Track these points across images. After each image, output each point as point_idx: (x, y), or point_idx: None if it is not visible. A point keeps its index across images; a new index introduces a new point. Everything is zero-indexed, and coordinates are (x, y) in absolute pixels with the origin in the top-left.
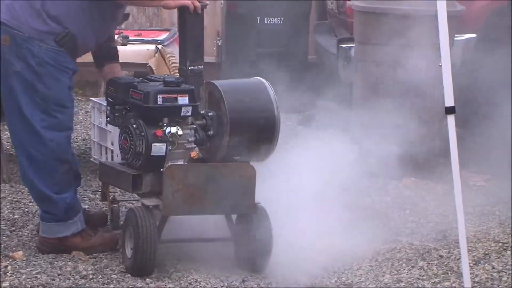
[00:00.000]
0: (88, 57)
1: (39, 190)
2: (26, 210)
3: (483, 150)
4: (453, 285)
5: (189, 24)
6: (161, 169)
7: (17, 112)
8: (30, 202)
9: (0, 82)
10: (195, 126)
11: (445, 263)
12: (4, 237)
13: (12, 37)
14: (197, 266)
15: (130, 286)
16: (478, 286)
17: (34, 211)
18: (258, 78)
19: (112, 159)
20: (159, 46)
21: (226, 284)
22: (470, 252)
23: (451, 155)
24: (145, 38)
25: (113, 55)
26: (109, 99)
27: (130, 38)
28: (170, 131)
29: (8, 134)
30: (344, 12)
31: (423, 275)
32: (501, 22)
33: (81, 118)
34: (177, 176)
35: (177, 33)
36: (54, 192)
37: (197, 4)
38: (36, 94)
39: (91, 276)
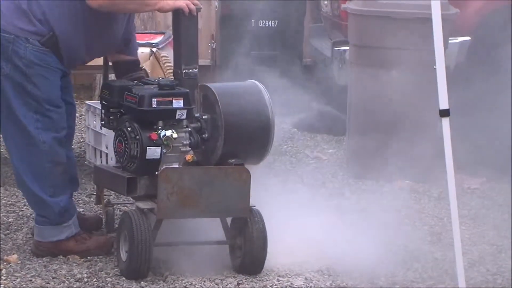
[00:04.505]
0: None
1: (33, 192)
2: (20, 213)
3: (478, 153)
4: (448, 287)
5: (184, 27)
6: (156, 172)
7: (10, 115)
8: (24, 205)
9: None
10: (190, 129)
11: (440, 266)
12: None
13: None
14: (192, 269)
15: None
16: None
17: (28, 214)
18: (253, 81)
19: (107, 162)
20: (154, 49)
21: (221, 287)
22: (465, 255)
23: (446, 158)
24: (139, 41)
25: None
26: (103, 102)
27: None
28: (165, 134)
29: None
30: (338, 15)
31: (418, 278)
32: (496, 24)
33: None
34: (172, 179)
35: (172, 36)
36: (48, 195)
37: (192, 6)
38: (27, 96)
39: (85, 280)
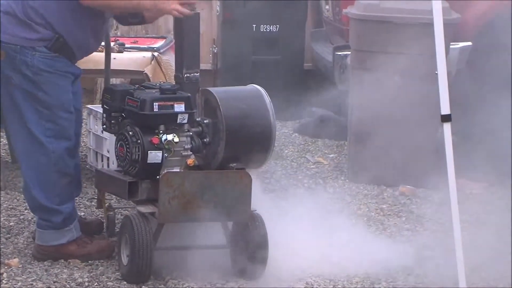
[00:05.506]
0: (84, 64)
1: (38, 202)
2: (21, 217)
3: (479, 158)
4: None
5: (185, 32)
6: (157, 176)
7: (21, 124)
8: (25, 209)
9: (0, 96)
10: (191, 133)
11: (441, 271)
12: None
13: (6, 51)
14: (193, 274)
15: None
16: None
17: (29, 218)
18: (254, 85)
19: (108, 166)
20: (155, 54)
21: None
22: (466, 260)
23: (447, 163)
24: (141, 46)
25: None
26: (105, 106)
27: (126, 45)
28: (166, 139)
29: (4, 141)
30: (340, 20)
31: (419, 283)
32: (497, 30)
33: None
34: (173, 183)
35: (173, 41)
36: (54, 204)
37: (183, 10)
38: (38, 104)
39: (86, 284)
